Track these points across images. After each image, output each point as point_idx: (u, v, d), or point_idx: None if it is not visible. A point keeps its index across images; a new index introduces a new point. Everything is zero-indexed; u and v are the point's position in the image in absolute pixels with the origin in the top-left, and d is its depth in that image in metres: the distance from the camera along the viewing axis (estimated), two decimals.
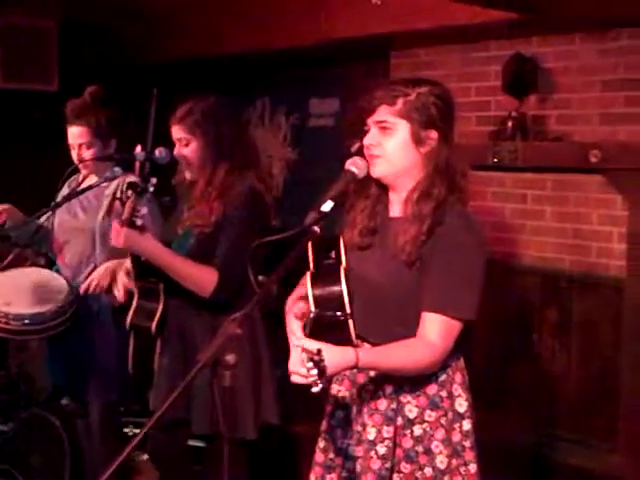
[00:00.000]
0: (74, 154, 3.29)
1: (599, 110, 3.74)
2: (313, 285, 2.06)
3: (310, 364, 1.82)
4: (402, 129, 2.09)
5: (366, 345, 2.14)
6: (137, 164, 3.10)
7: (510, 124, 3.85)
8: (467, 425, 2.15)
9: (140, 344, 2.93)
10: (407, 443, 2.12)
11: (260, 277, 2.76)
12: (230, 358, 1.73)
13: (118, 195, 2.84)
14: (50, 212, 3.26)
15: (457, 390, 2.15)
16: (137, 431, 4.07)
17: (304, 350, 1.87)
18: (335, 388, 2.27)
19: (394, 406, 2.12)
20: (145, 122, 3.07)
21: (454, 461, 2.12)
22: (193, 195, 2.89)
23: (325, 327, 2.03)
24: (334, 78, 4.99)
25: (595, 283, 3.75)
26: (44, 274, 3.32)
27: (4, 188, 3.65)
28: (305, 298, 2.11)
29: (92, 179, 3.31)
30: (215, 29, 4.97)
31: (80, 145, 3.26)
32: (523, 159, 3.79)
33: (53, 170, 3.31)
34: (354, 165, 2.09)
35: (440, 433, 2.11)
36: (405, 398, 2.13)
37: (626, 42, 3.63)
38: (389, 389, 2.13)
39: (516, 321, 3.97)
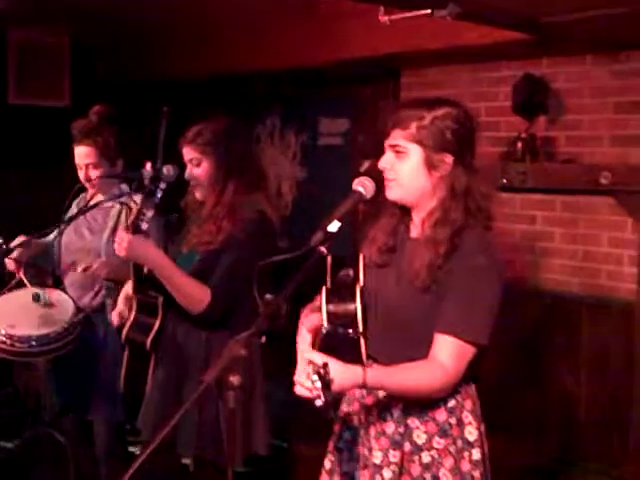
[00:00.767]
0: (81, 174, 3.28)
1: (610, 132, 3.73)
2: (328, 301, 2.05)
3: (315, 377, 1.81)
4: (415, 153, 2.07)
5: (376, 365, 2.11)
6: (147, 182, 3.09)
7: (520, 145, 3.84)
8: (477, 454, 2.10)
9: (134, 358, 2.90)
10: (415, 470, 2.08)
11: (268, 295, 2.75)
12: (234, 379, 1.71)
13: (125, 200, 2.81)
14: (57, 231, 3.25)
15: (467, 417, 2.11)
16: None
17: (310, 363, 1.85)
18: (344, 409, 2.25)
19: (401, 430, 2.09)
20: (155, 140, 3.08)
21: None
22: (201, 214, 2.89)
23: (336, 344, 2.01)
24: (344, 97, 5.00)
25: (605, 306, 3.73)
26: (50, 295, 3.31)
27: (14, 204, 3.68)
28: (319, 311, 2.10)
29: (99, 198, 3.31)
30: (227, 48, 4.99)
31: (87, 165, 3.25)
32: (533, 180, 3.78)
33: (63, 186, 3.32)
34: (361, 185, 2.07)
35: (448, 462, 2.07)
36: (413, 423, 2.09)
37: (638, 64, 3.63)
38: (397, 412, 2.11)
39: (525, 344, 3.94)
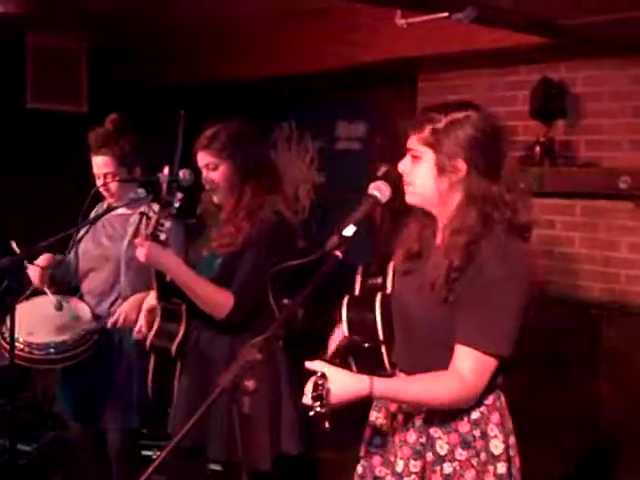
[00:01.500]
0: (99, 183, 3.28)
1: (629, 136, 3.70)
2: (348, 309, 2.05)
3: (310, 387, 1.80)
4: (428, 158, 2.03)
5: (401, 374, 2.10)
6: (164, 186, 3.10)
7: (538, 149, 3.82)
8: (502, 469, 2.04)
9: (160, 365, 2.91)
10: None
11: (285, 300, 2.75)
12: (250, 384, 1.71)
13: (144, 210, 2.82)
14: (73, 239, 3.26)
15: (493, 431, 2.05)
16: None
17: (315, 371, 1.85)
18: (374, 415, 2.23)
19: (423, 440, 2.06)
20: (173, 144, 3.08)
21: None
22: (220, 218, 2.89)
23: (359, 353, 2.00)
24: (361, 101, 4.99)
25: (625, 311, 3.69)
26: (66, 303, 3.32)
27: (32, 208, 3.69)
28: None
29: (119, 204, 3.31)
30: (243, 52, 5.00)
31: (105, 175, 3.25)
32: (551, 185, 3.75)
33: (81, 192, 3.32)
34: (377, 189, 2.06)
35: (470, 474, 2.02)
36: (436, 433, 2.05)
37: None
38: (419, 422, 2.08)
39: (545, 350, 3.90)
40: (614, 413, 3.73)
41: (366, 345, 1.98)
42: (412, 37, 3.74)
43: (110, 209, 3.21)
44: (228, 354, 2.74)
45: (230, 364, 2.67)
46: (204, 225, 3.07)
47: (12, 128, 5.42)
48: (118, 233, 3.30)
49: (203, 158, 2.87)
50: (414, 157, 2.06)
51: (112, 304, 3.27)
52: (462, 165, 2.01)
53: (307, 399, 1.86)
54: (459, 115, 2.01)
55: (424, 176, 2.05)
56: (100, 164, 3.26)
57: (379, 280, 2.13)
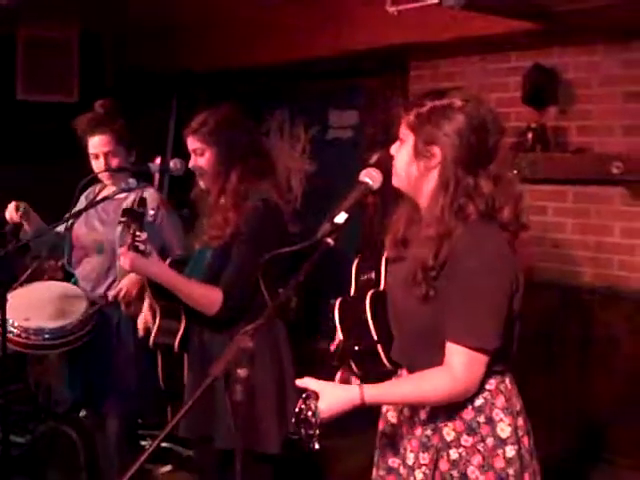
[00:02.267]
0: (99, 163, 3.25)
1: (621, 122, 3.70)
2: (341, 313, 2.04)
3: (303, 406, 1.82)
4: (409, 141, 2.02)
5: (403, 372, 2.10)
6: (156, 176, 3.09)
7: (530, 135, 3.82)
8: (510, 452, 2.02)
9: (167, 361, 2.93)
10: (444, 466, 2.04)
11: (280, 289, 2.75)
12: (242, 372, 1.70)
13: (124, 219, 2.83)
14: (67, 223, 3.26)
15: (498, 415, 2.03)
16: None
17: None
18: (384, 407, 2.21)
19: (428, 432, 2.06)
20: (165, 132, 3.07)
21: None
22: (208, 205, 2.89)
23: (358, 356, 2.00)
24: (353, 90, 4.97)
25: (617, 296, 3.70)
26: (62, 287, 3.32)
27: (23, 199, 3.65)
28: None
29: (109, 190, 3.31)
30: (234, 41, 4.98)
31: (106, 154, 3.23)
32: (543, 171, 3.75)
33: (72, 182, 3.31)
34: (368, 176, 2.04)
35: (476, 459, 2.01)
36: (442, 422, 2.05)
37: None
38: (424, 415, 2.07)
39: (537, 335, 3.91)
40: (606, 397, 3.74)
41: (357, 348, 1.97)
42: (403, 25, 3.73)
43: (103, 199, 3.20)
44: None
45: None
46: (196, 215, 3.07)
47: (3, 119, 5.41)
48: (111, 218, 3.29)
49: (191, 143, 2.86)
50: (400, 140, 2.05)
51: (107, 289, 3.27)
52: (437, 151, 1.98)
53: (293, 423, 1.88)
54: (444, 102, 1.98)
55: (403, 160, 2.03)
56: (98, 143, 3.24)
57: (372, 275, 2.11)
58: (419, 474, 2.06)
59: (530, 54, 3.91)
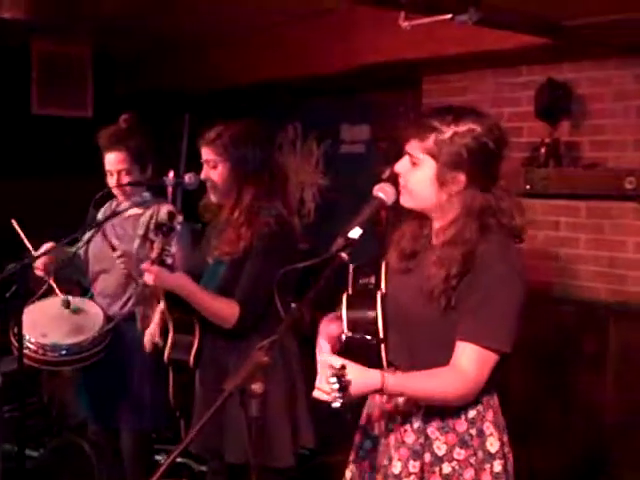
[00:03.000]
0: (112, 180, 3.27)
1: (634, 136, 3.69)
2: (348, 307, 2.05)
3: (333, 379, 1.80)
4: (428, 166, 2.03)
5: (398, 373, 2.09)
6: (170, 190, 3.10)
7: (543, 150, 3.82)
8: (498, 466, 2.06)
9: (180, 377, 2.93)
10: None
11: (292, 304, 2.75)
12: (257, 387, 1.71)
13: (147, 234, 2.85)
14: (83, 240, 3.27)
15: (489, 428, 2.08)
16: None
17: (328, 366, 1.85)
18: (364, 416, 2.24)
19: (422, 441, 2.07)
20: (178, 148, 3.09)
21: None
22: (220, 220, 2.90)
23: (356, 351, 2.01)
24: (365, 104, 4.99)
25: (632, 312, 3.68)
26: (79, 304, 3.33)
27: (37, 213, 3.70)
28: (339, 319, 2.10)
29: (126, 205, 3.32)
30: (247, 57, 5.01)
31: (120, 171, 3.24)
32: (556, 186, 3.75)
33: (84, 196, 3.33)
34: (382, 191, 2.06)
35: (469, 473, 2.04)
36: (434, 434, 2.07)
37: None
38: (417, 422, 2.09)
39: (551, 351, 3.90)
40: (620, 414, 3.72)
41: (369, 337, 1.98)
42: (416, 39, 3.74)
43: (118, 212, 3.21)
44: (242, 362, 2.74)
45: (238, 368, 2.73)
46: (204, 226, 3.07)
47: (18, 133, 5.46)
48: (128, 234, 3.30)
49: (205, 154, 2.87)
50: (413, 163, 2.06)
51: (124, 305, 3.27)
52: (462, 178, 2.02)
53: (321, 393, 1.88)
54: (464, 127, 2.00)
55: (422, 183, 2.05)
56: (114, 160, 3.25)
57: (372, 279, 2.13)
58: None
59: (542, 68, 3.91)
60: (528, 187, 3.80)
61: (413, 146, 2.05)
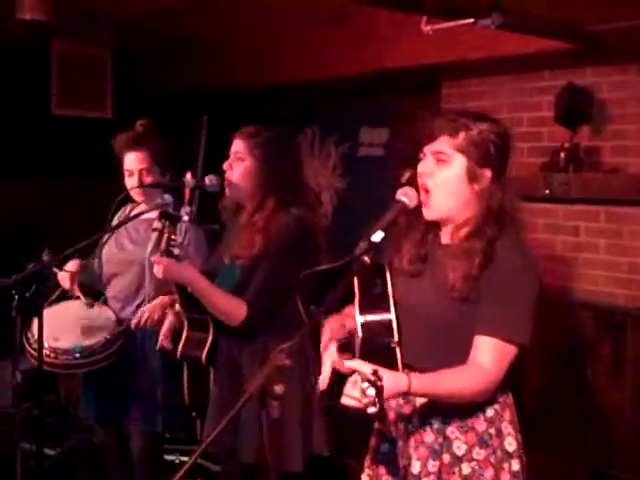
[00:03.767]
0: (132, 181, 3.27)
1: None
2: (361, 312, 2.04)
3: (365, 384, 1.79)
4: (458, 163, 2.06)
5: (418, 374, 2.10)
6: (187, 191, 3.11)
7: (563, 155, 3.80)
8: (516, 465, 2.09)
9: (193, 374, 2.93)
10: None
11: (312, 307, 2.75)
12: (278, 389, 1.71)
13: (156, 226, 2.85)
14: (99, 244, 3.28)
15: (507, 428, 2.10)
16: (184, 458, 4.07)
17: (357, 372, 1.85)
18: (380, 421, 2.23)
19: (441, 440, 2.08)
20: (195, 149, 3.09)
21: None
22: (239, 222, 2.90)
23: (372, 354, 2.01)
24: (384, 108, 4.98)
25: None
26: (91, 307, 3.34)
27: (55, 214, 3.72)
28: (346, 324, 2.12)
29: (142, 208, 3.32)
30: (266, 58, 5.02)
31: (140, 171, 3.25)
32: (576, 191, 3.74)
33: (103, 197, 3.35)
34: (405, 195, 2.07)
35: (489, 472, 2.06)
36: (453, 434, 2.08)
37: None
38: (436, 423, 2.09)
39: (569, 356, 3.89)
40: (637, 419, 3.70)
41: (386, 344, 1.99)
42: (436, 43, 3.74)
43: (134, 216, 3.22)
44: (257, 360, 2.75)
45: (259, 370, 2.73)
46: (223, 226, 3.07)
47: (38, 133, 5.49)
48: (142, 237, 3.30)
49: (237, 145, 2.86)
50: (440, 160, 2.07)
51: (136, 309, 3.28)
52: (489, 174, 2.07)
53: (350, 400, 1.87)
54: (486, 125, 2.08)
55: (451, 180, 2.07)
56: (135, 160, 3.26)
57: (378, 282, 2.13)
58: None
59: (563, 73, 3.89)
60: (547, 192, 3.79)
61: (442, 143, 2.07)
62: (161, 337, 3.03)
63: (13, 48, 5.24)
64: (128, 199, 3.37)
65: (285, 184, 2.82)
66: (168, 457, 3.88)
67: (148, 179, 3.27)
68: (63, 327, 3.18)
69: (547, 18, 2.94)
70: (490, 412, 2.08)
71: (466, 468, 2.05)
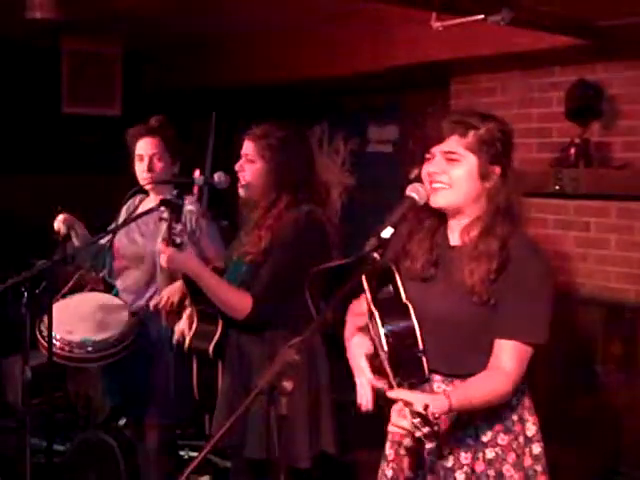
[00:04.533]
0: (142, 166, 3.29)
1: None
2: (383, 323, 2.05)
3: (417, 420, 1.80)
4: (469, 162, 2.09)
5: (436, 377, 2.13)
6: (196, 188, 3.12)
7: (573, 151, 3.78)
8: (537, 449, 2.15)
9: (202, 366, 2.94)
10: (479, 466, 2.11)
11: (322, 303, 2.75)
12: (287, 385, 1.71)
13: (164, 216, 2.86)
14: (109, 235, 3.29)
15: (526, 414, 2.16)
16: (193, 454, 4.08)
17: (405, 403, 1.86)
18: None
19: (471, 433, 2.12)
20: (204, 147, 3.10)
21: None
22: (251, 219, 2.90)
23: (399, 365, 2.03)
24: (393, 104, 4.98)
25: None
26: (105, 300, 3.35)
27: (67, 209, 3.71)
28: (364, 330, 2.15)
29: (150, 200, 3.34)
30: (275, 56, 5.01)
31: (151, 156, 3.28)
32: (586, 186, 3.72)
33: (112, 193, 3.35)
34: (414, 191, 2.08)
35: (511, 457, 2.11)
36: (482, 423, 2.13)
37: None
38: (464, 417, 2.11)
39: (579, 352, 3.87)
40: None
41: (414, 353, 2.01)
42: (445, 40, 3.73)
43: (145, 212, 3.22)
44: (266, 355, 2.75)
45: (268, 365, 2.73)
46: (237, 224, 3.07)
47: (48, 131, 5.51)
48: (152, 231, 3.32)
49: (247, 147, 2.86)
50: (451, 160, 2.09)
51: (148, 301, 3.29)
52: (498, 171, 2.11)
53: (397, 430, 1.89)
54: (492, 124, 2.12)
55: (463, 178, 2.09)
56: (148, 145, 3.29)
57: (390, 289, 2.14)
58: (460, 475, 2.11)
59: (573, 69, 3.88)
60: (557, 187, 3.78)
61: (453, 143, 2.09)
62: (178, 332, 3.03)
63: (24, 47, 5.26)
64: (139, 193, 3.38)
65: (296, 183, 2.81)
66: (179, 452, 3.89)
67: (159, 165, 3.30)
68: (77, 320, 3.19)
69: (557, 14, 2.92)
70: (513, 400, 2.13)
71: (490, 453, 2.11)
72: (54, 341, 3.04)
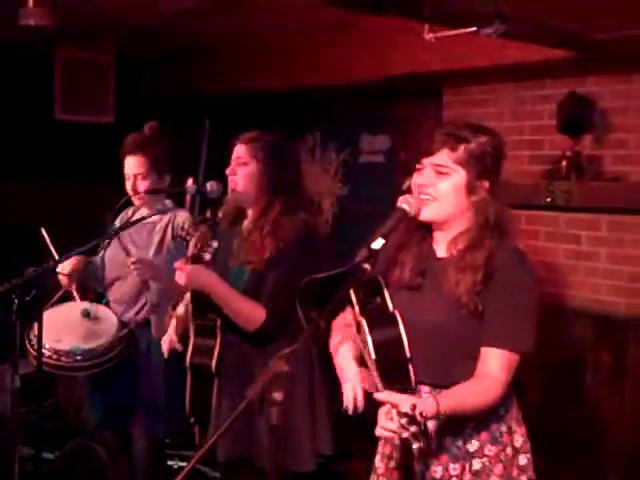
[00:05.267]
0: (128, 184, 3.32)
1: None
2: (371, 331, 2.06)
3: (404, 420, 1.79)
4: (458, 176, 2.10)
5: (424, 388, 2.13)
6: (188, 197, 3.12)
7: (564, 163, 3.80)
8: (523, 460, 2.15)
9: (198, 382, 2.91)
10: (465, 477, 2.11)
11: (313, 313, 2.75)
12: (277, 395, 1.71)
13: (181, 234, 2.83)
14: (101, 246, 3.29)
15: (515, 425, 2.16)
16: (182, 464, 4.06)
17: (392, 404, 1.86)
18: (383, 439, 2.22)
19: (459, 443, 2.12)
20: (197, 155, 3.10)
21: None
22: (244, 226, 2.90)
23: (385, 374, 2.03)
24: (386, 114, 4.99)
25: None
26: (94, 310, 3.34)
27: (58, 219, 3.72)
28: (351, 341, 2.15)
29: (143, 212, 3.34)
30: (268, 65, 5.02)
31: (136, 175, 3.29)
32: (577, 199, 3.73)
33: (105, 200, 3.35)
34: (406, 203, 2.10)
35: (498, 468, 2.11)
36: (470, 433, 2.12)
37: None
38: (453, 427, 2.10)
39: (569, 364, 3.88)
40: (637, 430, 3.69)
41: (400, 362, 2.01)
42: (438, 51, 3.75)
43: (137, 220, 3.22)
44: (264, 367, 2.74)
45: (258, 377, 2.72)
46: (224, 232, 3.05)
47: (41, 138, 5.50)
48: (144, 241, 3.32)
49: (239, 150, 2.87)
50: (440, 173, 2.10)
51: (138, 311, 3.29)
52: (486, 185, 2.12)
53: (384, 432, 1.89)
54: (484, 138, 2.13)
55: (451, 191, 2.11)
56: (133, 164, 3.30)
57: (378, 299, 2.14)
58: None
59: (565, 82, 3.89)
60: (549, 200, 3.79)
61: (443, 157, 2.10)
62: (168, 341, 3.01)
63: (17, 53, 5.25)
64: (130, 203, 3.39)
65: (289, 188, 2.84)
66: (168, 462, 3.87)
67: (143, 184, 3.29)
68: (66, 329, 3.19)
69: (549, 27, 2.95)
70: (501, 411, 2.13)
71: (477, 464, 2.11)
72: (43, 349, 3.03)
